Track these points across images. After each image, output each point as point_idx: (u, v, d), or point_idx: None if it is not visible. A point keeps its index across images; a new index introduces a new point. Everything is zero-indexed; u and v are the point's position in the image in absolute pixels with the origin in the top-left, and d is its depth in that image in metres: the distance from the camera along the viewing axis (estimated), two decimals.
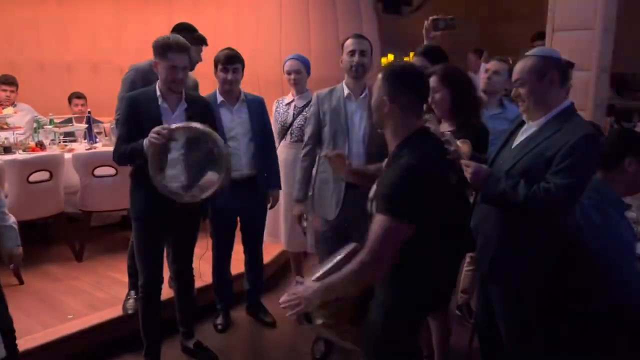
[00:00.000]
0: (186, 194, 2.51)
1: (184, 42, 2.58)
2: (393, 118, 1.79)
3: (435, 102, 2.36)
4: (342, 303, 1.79)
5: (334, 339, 1.99)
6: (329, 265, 1.86)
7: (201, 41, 3.21)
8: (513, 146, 2.07)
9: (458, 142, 2.05)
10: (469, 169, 1.99)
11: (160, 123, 2.51)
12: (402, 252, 1.69)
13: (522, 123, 2.11)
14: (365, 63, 2.79)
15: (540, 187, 1.87)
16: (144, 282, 2.72)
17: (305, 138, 3.01)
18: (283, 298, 1.79)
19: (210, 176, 2.52)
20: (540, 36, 4.91)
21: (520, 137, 2.07)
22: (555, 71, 1.96)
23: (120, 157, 2.62)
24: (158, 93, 2.60)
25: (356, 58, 2.78)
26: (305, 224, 3.08)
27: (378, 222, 1.68)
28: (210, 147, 2.49)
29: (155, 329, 2.81)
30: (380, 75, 1.83)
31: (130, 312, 3.15)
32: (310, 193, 3.04)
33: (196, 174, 2.52)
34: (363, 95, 2.84)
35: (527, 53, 2.04)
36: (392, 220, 1.65)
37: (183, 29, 3.12)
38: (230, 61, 3.05)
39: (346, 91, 2.85)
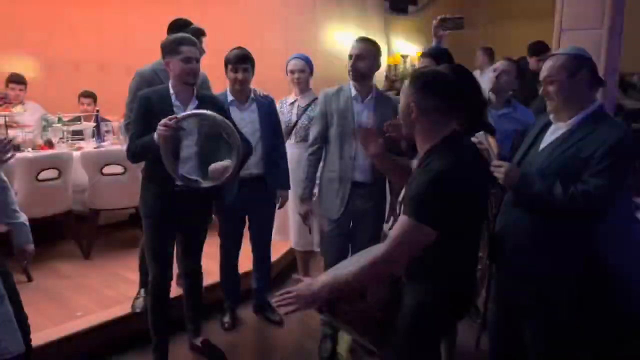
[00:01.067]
0: (204, 180, 2.55)
1: (192, 36, 2.65)
2: (421, 124, 1.76)
3: None
4: (368, 302, 1.79)
5: (354, 336, 1.99)
6: (357, 265, 1.82)
7: (199, 33, 3.22)
8: (541, 147, 2.03)
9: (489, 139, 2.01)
10: (501, 168, 1.95)
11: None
12: (433, 255, 1.69)
13: (548, 124, 2.07)
14: (361, 67, 2.78)
15: (577, 188, 1.83)
16: (153, 278, 2.74)
17: (312, 137, 3.02)
18: (276, 297, 1.80)
19: (225, 162, 2.55)
20: (536, 52, 4.71)
21: (549, 138, 2.02)
22: (586, 70, 1.93)
23: (133, 154, 2.65)
24: (171, 91, 2.63)
25: (351, 62, 2.79)
26: (311, 222, 3.09)
27: (400, 223, 1.68)
28: (220, 131, 2.51)
29: (163, 325, 2.83)
30: (406, 82, 1.81)
31: (138, 310, 3.18)
32: (315, 192, 3.05)
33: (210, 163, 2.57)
34: (370, 96, 2.85)
35: (558, 51, 2.02)
36: (414, 223, 1.65)
37: (180, 25, 3.13)
38: (241, 61, 3.06)
39: (353, 92, 2.85)
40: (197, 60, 2.62)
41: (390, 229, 2.13)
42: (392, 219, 2.23)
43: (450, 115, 1.75)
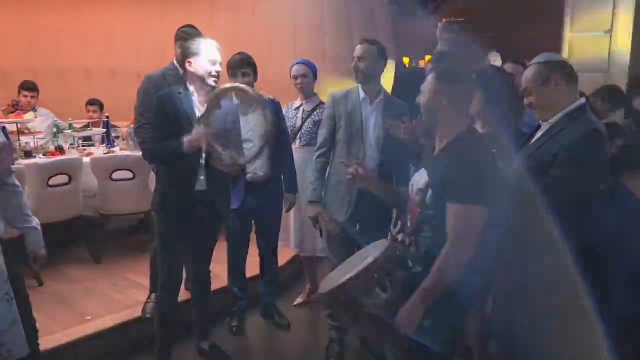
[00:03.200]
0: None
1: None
2: (447, 118, 1.89)
3: None
4: (393, 294, 1.85)
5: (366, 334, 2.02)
6: (360, 267, 1.86)
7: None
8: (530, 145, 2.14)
9: None
10: None
11: (195, 118, 2.54)
12: None
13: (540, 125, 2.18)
14: (362, 68, 2.79)
15: (542, 183, 1.92)
16: (162, 280, 2.73)
17: (320, 140, 3.02)
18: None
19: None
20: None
21: (536, 137, 2.13)
22: (557, 73, 2.02)
23: (155, 156, 2.69)
24: (191, 90, 2.60)
25: (353, 63, 2.83)
26: (320, 225, 3.10)
27: (453, 212, 1.79)
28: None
29: (170, 328, 2.82)
30: (431, 76, 1.92)
31: (148, 315, 3.18)
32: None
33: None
34: (378, 99, 2.85)
35: (533, 61, 2.10)
36: (465, 206, 1.76)
37: (191, 32, 3.17)
38: (241, 66, 3.09)
39: (362, 94, 2.86)
40: (221, 64, 2.61)
41: (397, 232, 2.15)
42: (399, 223, 2.23)
43: (468, 109, 1.94)
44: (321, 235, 3.29)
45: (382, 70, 2.88)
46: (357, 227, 2.90)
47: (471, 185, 1.76)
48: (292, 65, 3.49)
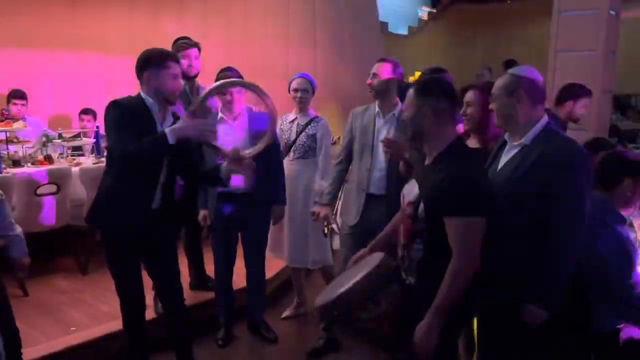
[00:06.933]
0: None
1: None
2: (433, 128, 1.91)
3: (468, 115, 2.51)
4: (387, 308, 1.86)
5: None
6: (359, 276, 1.88)
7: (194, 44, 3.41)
8: (499, 167, 2.11)
9: None
10: None
11: (156, 131, 2.42)
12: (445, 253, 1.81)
13: (504, 143, 2.16)
14: (374, 85, 2.99)
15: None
16: (126, 305, 2.64)
17: (339, 150, 3.27)
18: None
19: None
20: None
21: (504, 158, 2.11)
22: (522, 89, 2.00)
23: (134, 155, 2.31)
24: (149, 104, 2.46)
25: (369, 80, 3.01)
26: (328, 228, 3.32)
27: (454, 227, 1.79)
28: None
29: (142, 347, 2.72)
30: (412, 89, 1.95)
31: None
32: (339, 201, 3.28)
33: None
34: (391, 113, 3.00)
35: (508, 70, 2.13)
36: (467, 219, 1.77)
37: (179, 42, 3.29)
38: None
39: (377, 109, 3.03)
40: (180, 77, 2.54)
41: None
42: None
43: (453, 117, 1.93)
44: (325, 236, 3.44)
45: (398, 85, 3.02)
46: (364, 229, 3.00)
47: (468, 198, 1.78)
48: (294, 78, 3.53)
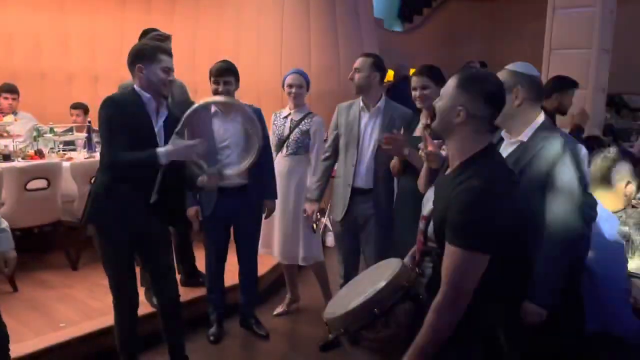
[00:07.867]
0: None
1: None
2: (463, 131, 1.60)
3: None
4: (393, 329, 1.64)
5: None
6: (362, 299, 1.67)
7: (165, 38, 3.37)
8: None
9: None
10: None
11: (152, 127, 2.49)
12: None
13: (500, 140, 2.12)
14: (356, 80, 2.97)
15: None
16: (119, 302, 2.66)
17: (326, 146, 3.26)
18: None
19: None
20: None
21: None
22: (520, 87, 1.98)
23: (123, 168, 2.43)
24: (144, 98, 2.50)
25: (350, 75, 3.00)
26: (313, 221, 3.30)
27: (451, 256, 1.52)
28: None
29: (133, 344, 2.73)
30: (455, 81, 1.62)
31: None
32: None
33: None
34: (376, 107, 2.99)
35: (505, 66, 2.09)
36: (467, 252, 1.49)
37: (146, 33, 3.29)
38: (221, 74, 3.11)
39: (361, 104, 3.03)
40: (172, 71, 2.56)
41: None
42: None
43: (491, 126, 1.64)
44: (314, 231, 3.45)
45: (381, 79, 3.01)
46: (356, 229, 3.09)
47: (474, 228, 1.49)
48: (289, 74, 3.52)
